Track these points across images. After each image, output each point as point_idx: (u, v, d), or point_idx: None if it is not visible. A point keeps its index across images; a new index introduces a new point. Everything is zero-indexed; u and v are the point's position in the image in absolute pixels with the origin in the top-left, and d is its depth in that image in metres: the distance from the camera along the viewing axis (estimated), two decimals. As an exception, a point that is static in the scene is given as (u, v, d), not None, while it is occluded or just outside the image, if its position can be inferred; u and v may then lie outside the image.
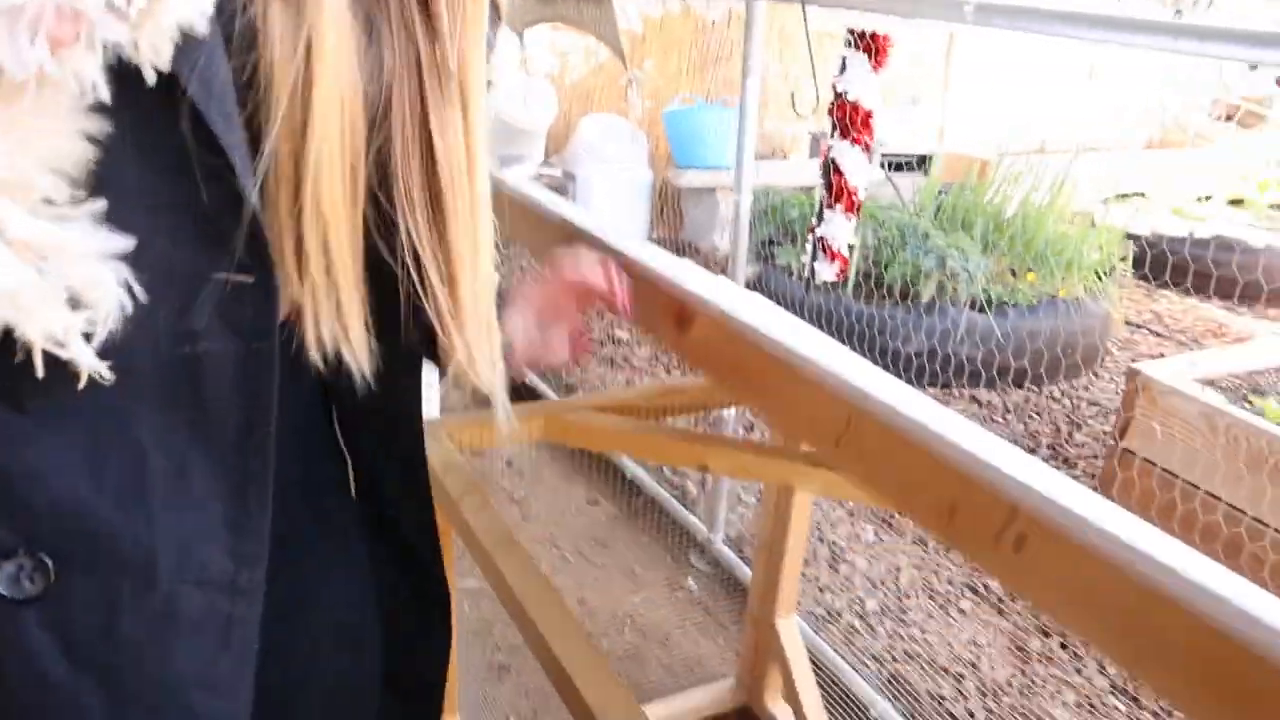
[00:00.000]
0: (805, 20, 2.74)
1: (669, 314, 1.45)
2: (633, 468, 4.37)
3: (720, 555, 3.84)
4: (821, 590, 3.63)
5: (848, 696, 3.11)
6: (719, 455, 2.32)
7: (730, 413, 3.88)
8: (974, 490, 0.98)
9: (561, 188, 7.21)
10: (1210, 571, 0.82)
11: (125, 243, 0.80)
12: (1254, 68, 2.12)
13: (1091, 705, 3.17)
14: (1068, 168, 5.62)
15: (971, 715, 3.09)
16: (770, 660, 3.08)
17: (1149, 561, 0.84)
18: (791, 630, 3.00)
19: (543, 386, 5.23)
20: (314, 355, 0.96)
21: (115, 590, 0.92)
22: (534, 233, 1.82)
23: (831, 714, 3.06)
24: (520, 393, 5.22)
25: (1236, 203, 7.10)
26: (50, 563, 0.88)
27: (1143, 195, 7.25)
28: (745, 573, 3.65)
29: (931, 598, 3.61)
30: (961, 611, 3.56)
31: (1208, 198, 7.21)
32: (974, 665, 3.30)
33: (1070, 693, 3.21)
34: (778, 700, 3.13)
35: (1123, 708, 3.17)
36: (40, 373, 0.79)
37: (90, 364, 0.81)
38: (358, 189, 0.92)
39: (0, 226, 0.74)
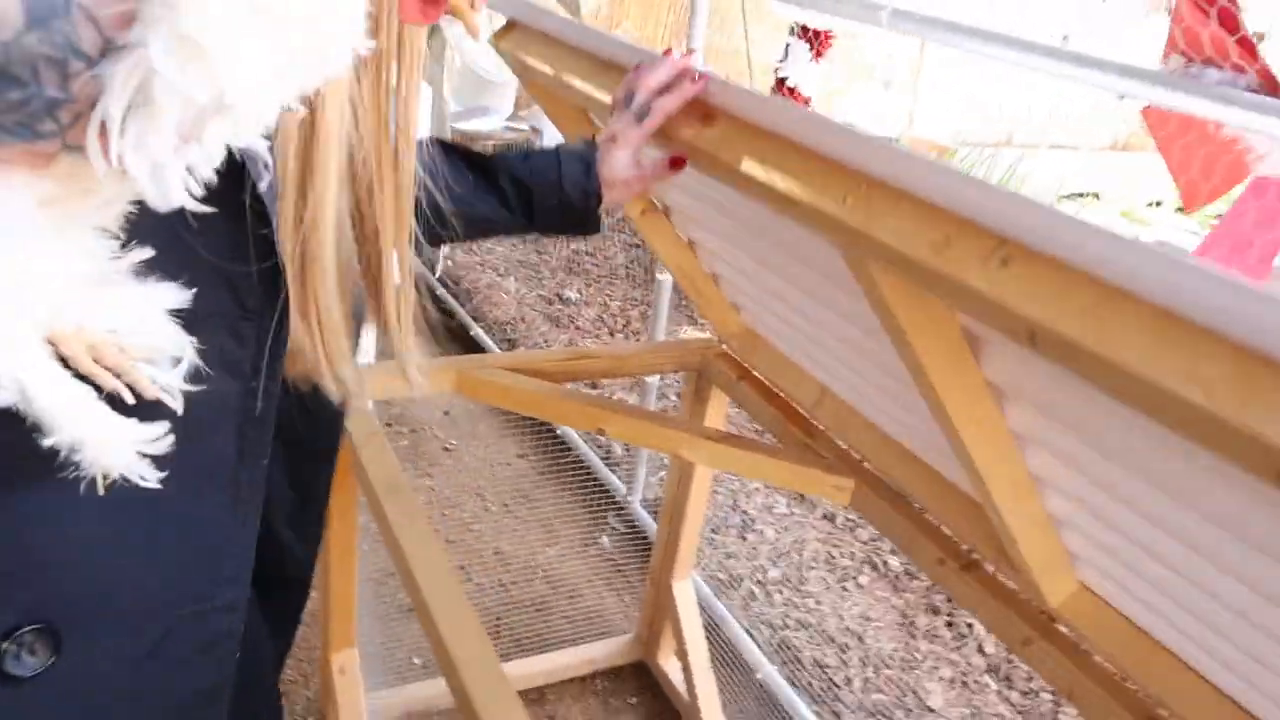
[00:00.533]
0: (744, 5, 2.81)
1: (693, 112, 1.56)
2: (563, 427, 4.48)
3: (636, 516, 3.98)
4: (728, 557, 3.77)
5: (737, 659, 3.26)
6: (615, 421, 2.43)
7: (654, 380, 3.99)
8: (966, 225, 1.16)
9: (529, 141, 7.24)
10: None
11: (181, 296, 0.90)
12: (1121, 98, 2.20)
13: (965, 683, 3.34)
14: (1018, 163, 5.74)
15: (849, 683, 3.25)
16: (666, 619, 3.22)
17: (1111, 265, 1.01)
18: (687, 592, 3.15)
19: (487, 340, 5.32)
20: (297, 385, 1.07)
21: (119, 637, 0.97)
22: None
23: (720, 673, 3.21)
24: (467, 344, 5.31)
25: (1183, 210, 7.25)
26: (60, 629, 0.91)
27: (1097, 196, 7.39)
28: (658, 535, 3.79)
29: (831, 571, 3.76)
30: (859, 586, 3.72)
31: (1159, 203, 7.36)
32: (861, 638, 3.46)
33: (948, 669, 3.39)
34: (670, 657, 3.28)
35: (994, 686, 3.35)
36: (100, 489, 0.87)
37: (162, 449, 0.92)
38: (343, 238, 1.03)
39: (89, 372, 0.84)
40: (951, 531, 2.11)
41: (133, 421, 0.87)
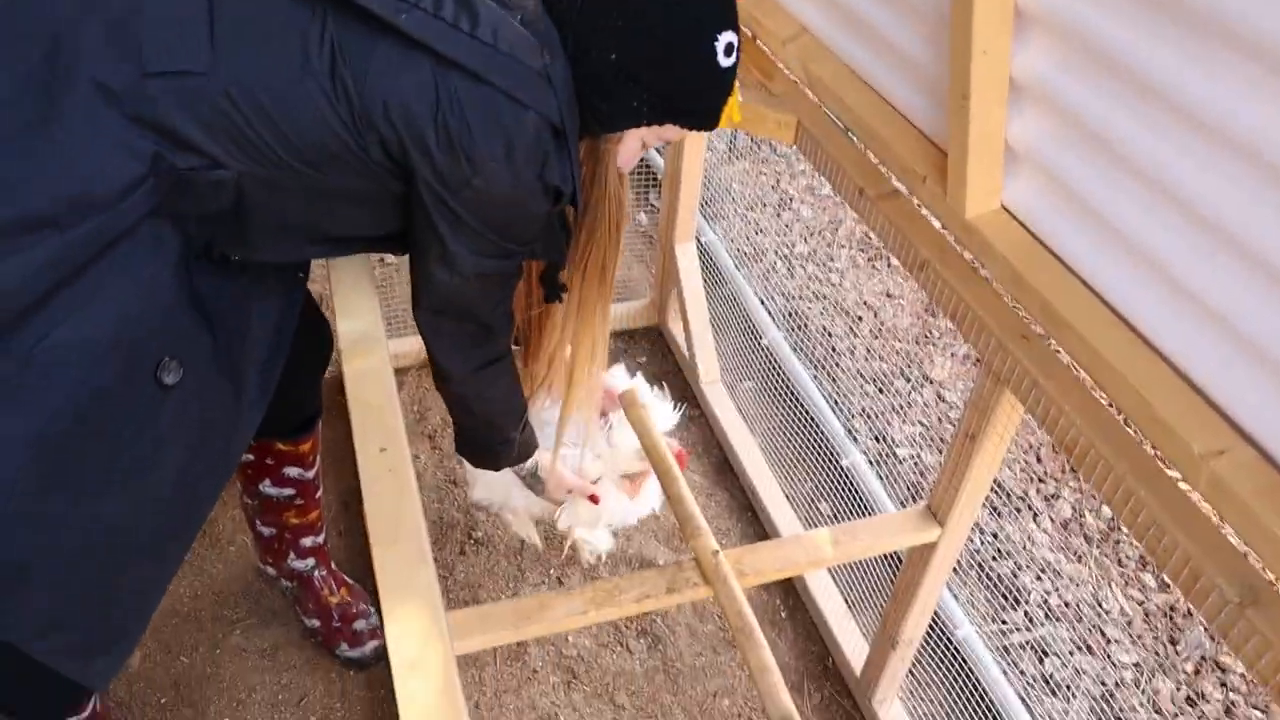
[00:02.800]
0: None
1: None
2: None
3: (676, 194, 3.98)
4: (758, 232, 3.76)
5: (749, 325, 3.32)
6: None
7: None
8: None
9: None
10: None
11: None
12: None
13: (978, 360, 3.30)
14: None
15: (853, 351, 3.28)
16: (671, 283, 3.30)
17: None
18: (688, 255, 3.19)
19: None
20: None
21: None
22: None
23: (732, 340, 3.30)
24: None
25: None
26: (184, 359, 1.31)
27: None
28: (694, 212, 3.79)
29: (863, 250, 3.70)
30: (890, 265, 3.66)
31: None
32: (876, 313, 3.44)
33: (963, 347, 3.35)
34: (678, 320, 3.38)
35: (1010, 363, 3.30)
36: None
37: None
38: None
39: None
40: (887, 160, 2.04)
41: None
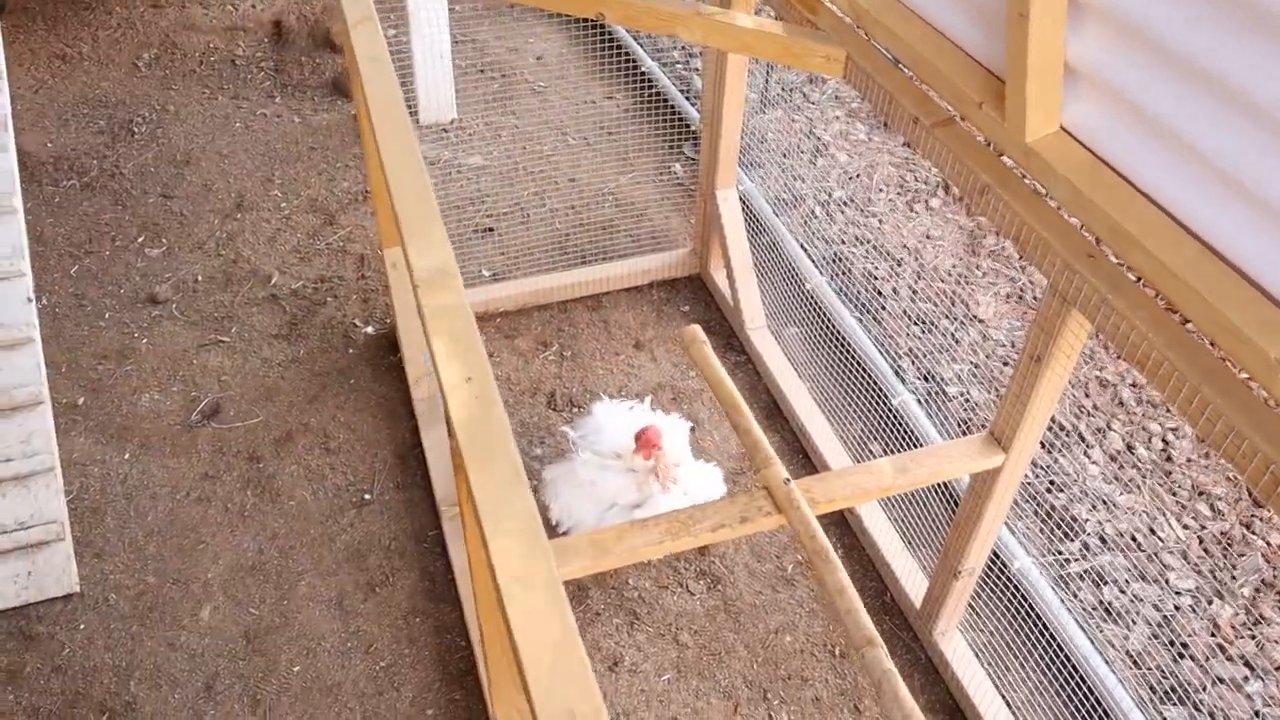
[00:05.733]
0: None
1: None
2: (648, 62, 4.42)
3: (710, 145, 3.97)
4: (795, 179, 3.75)
5: (792, 271, 3.33)
6: (613, 4, 2.40)
7: None
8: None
9: None
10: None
11: None
12: None
13: (1021, 297, 3.30)
14: None
15: (896, 293, 3.28)
16: (715, 231, 3.30)
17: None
18: (730, 201, 3.19)
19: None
20: None
21: None
22: None
23: (777, 288, 3.30)
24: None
25: None
26: None
27: None
28: (729, 162, 3.78)
29: (901, 194, 3.69)
30: (929, 208, 3.65)
31: None
32: (918, 254, 3.43)
33: (1006, 285, 3.34)
34: (720, 269, 3.39)
35: (1055, 301, 3.29)
36: None
37: None
38: None
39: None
40: (940, 89, 2.03)
41: None
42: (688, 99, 4.19)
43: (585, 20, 4.76)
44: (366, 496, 2.76)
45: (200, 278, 3.43)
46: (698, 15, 2.33)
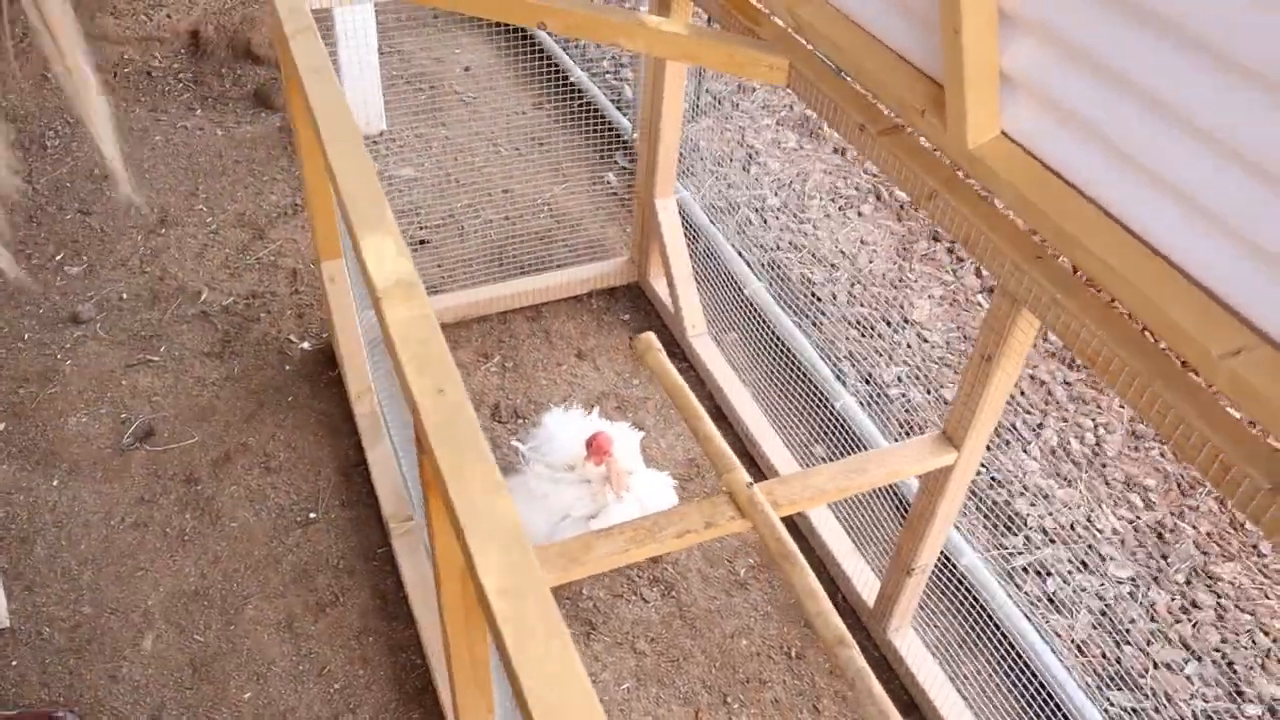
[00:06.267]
0: None
1: None
2: (577, 73, 4.43)
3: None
4: (729, 186, 3.79)
5: (729, 277, 3.36)
6: (556, 15, 2.39)
7: None
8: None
9: None
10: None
11: None
12: None
13: (955, 301, 3.38)
14: None
15: (834, 298, 3.33)
16: (654, 239, 3.31)
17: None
18: (670, 210, 3.20)
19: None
20: None
21: None
22: None
23: (714, 294, 3.32)
24: None
25: None
26: None
27: None
28: (664, 171, 3.80)
29: (834, 200, 3.76)
30: (860, 214, 3.72)
31: None
32: (853, 260, 3.50)
33: (940, 289, 3.42)
34: (660, 276, 3.40)
35: (985, 305, 3.39)
36: None
37: None
38: None
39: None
40: (883, 96, 2.07)
41: None
42: (619, 108, 4.20)
43: (511, 30, 4.74)
44: (312, 515, 2.69)
45: (125, 295, 3.32)
46: (641, 25, 2.35)
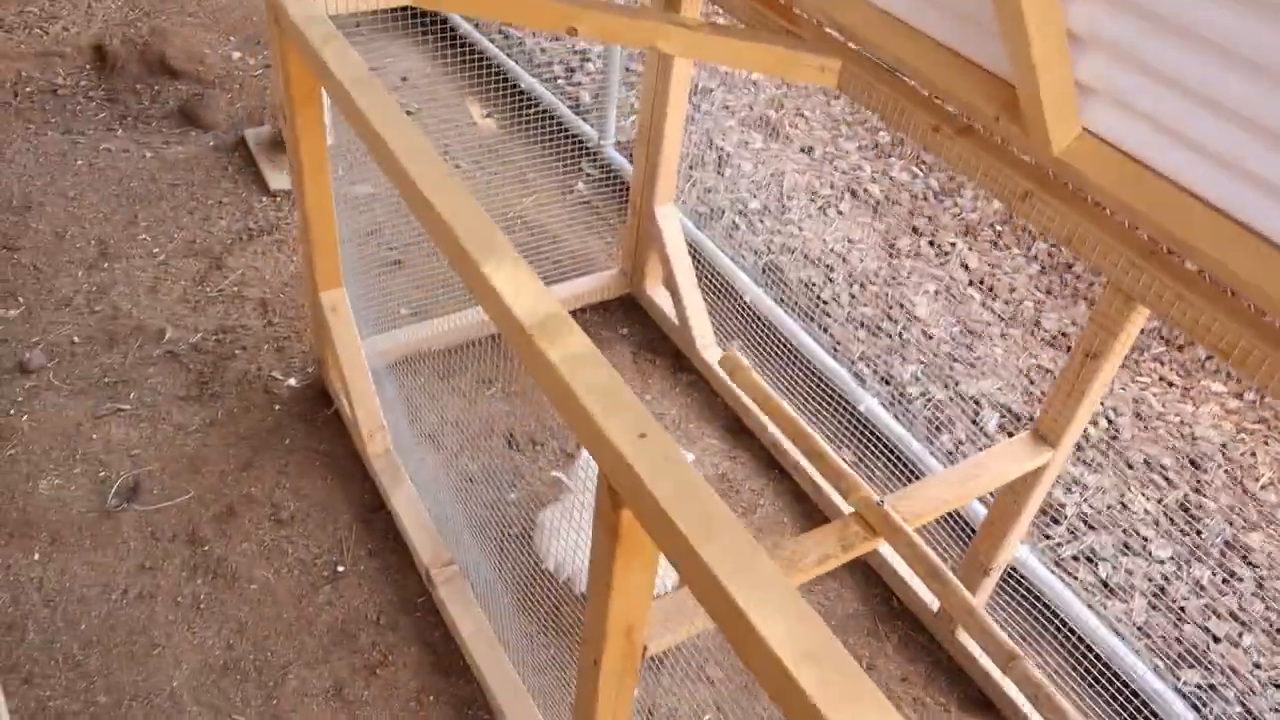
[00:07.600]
0: None
1: None
2: (527, 79, 4.27)
3: (610, 159, 3.87)
4: (708, 191, 3.72)
5: (725, 284, 3.28)
6: (587, 18, 2.27)
7: None
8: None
9: None
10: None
11: None
12: None
13: (950, 294, 3.40)
14: None
15: (837, 299, 3.31)
16: (650, 250, 3.21)
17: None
18: (671, 217, 3.11)
19: None
20: None
21: None
22: None
23: (709, 301, 3.24)
24: None
25: None
26: None
27: None
28: (635, 177, 3.70)
29: (812, 200, 3.73)
30: (840, 213, 3.70)
31: None
32: (845, 259, 3.48)
33: (932, 283, 3.44)
34: (657, 286, 3.30)
35: (978, 297, 3.42)
36: None
37: None
38: None
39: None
40: (947, 98, 2.03)
41: None
42: (578, 115, 4.07)
43: (441, 35, 4.55)
44: (339, 568, 2.48)
45: (76, 339, 3.00)
46: (678, 28, 2.24)
